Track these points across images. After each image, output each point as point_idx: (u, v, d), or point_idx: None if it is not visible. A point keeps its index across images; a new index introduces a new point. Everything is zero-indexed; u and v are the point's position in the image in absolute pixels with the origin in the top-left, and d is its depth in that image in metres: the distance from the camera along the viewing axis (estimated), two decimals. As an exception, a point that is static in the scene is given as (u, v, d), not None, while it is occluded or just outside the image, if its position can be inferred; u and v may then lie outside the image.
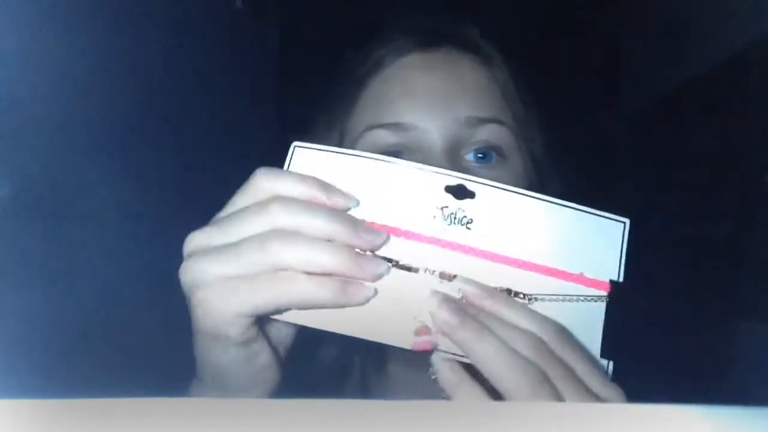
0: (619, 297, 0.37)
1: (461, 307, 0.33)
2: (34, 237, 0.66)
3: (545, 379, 0.31)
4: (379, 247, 0.34)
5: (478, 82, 0.49)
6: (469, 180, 0.36)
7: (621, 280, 0.37)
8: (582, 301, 0.36)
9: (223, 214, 0.35)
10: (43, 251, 0.67)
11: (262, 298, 0.32)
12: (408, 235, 0.35)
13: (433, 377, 0.34)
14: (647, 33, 2.03)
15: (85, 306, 0.72)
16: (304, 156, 0.39)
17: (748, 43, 1.34)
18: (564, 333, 0.34)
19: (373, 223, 0.35)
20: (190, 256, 0.34)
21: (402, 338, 0.34)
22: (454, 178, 0.36)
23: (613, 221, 0.38)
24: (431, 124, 0.47)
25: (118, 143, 0.85)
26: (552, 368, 0.32)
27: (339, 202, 0.34)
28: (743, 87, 1.39)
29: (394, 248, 0.35)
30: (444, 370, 0.33)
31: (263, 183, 0.35)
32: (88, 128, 0.77)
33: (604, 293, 0.36)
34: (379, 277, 0.34)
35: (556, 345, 0.33)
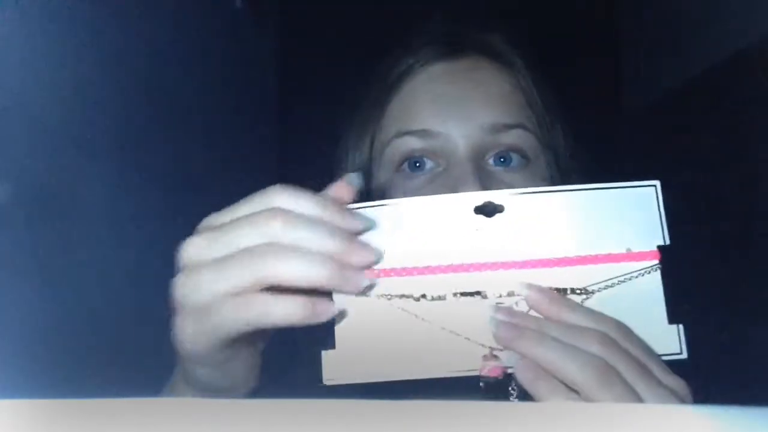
0: (671, 259, 0.37)
1: (517, 318, 0.34)
2: (34, 237, 0.66)
3: (615, 372, 0.31)
4: (370, 263, 0.34)
5: (501, 89, 0.50)
6: (494, 194, 0.36)
7: (668, 242, 0.37)
8: (636, 277, 0.36)
9: (223, 218, 0.35)
10: (43, 251, 0.67)
11: (232, 325, 0.32)
12: (452, 268, 0.35)
13: (481, 384, 0.34)
14: (647, 32, 2.03)
15: (85, 306, 0.72)
16: None
17: (748, 43, 1.34)
18: (625, 328, 0.34)
19: (416, 268, 0.35)
20: (183, 269, 0.34)
21: (471, 367, 0.34)
22: (480, 197, 0.36)
23: (643, 187, 0.38)
24: (456, 131, 0.48)
25: (117, 143, 0.85)
26: (620, 361, 0.32)
27: (353, 223, 0.34)
28: (743, 87, 1.39)
29: (443, 283, 0.35)
30: (521, 370, 0.33)
31: (270, 195, 0.34)
32: (88, 128, 0.77)
33: (656, 261, 0.36)
34: (361, 289, 0.34)
35: (619, 339, 0.33)
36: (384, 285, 0.35)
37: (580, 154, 0.55)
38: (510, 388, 0.35)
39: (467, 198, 0.36)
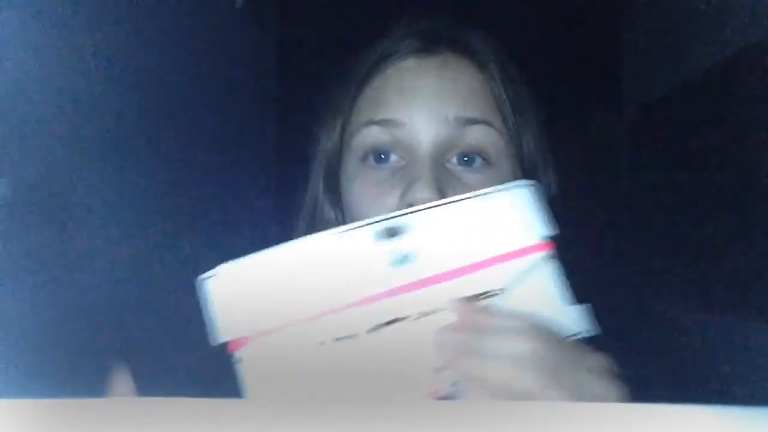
0: (560, 247, 0.39)
1: (454, 335, 0.34)
2: (33, 237, 0.66)
3: (552, 365, 0.33)
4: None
5: (470, 84, 0.50)
6: (394, 217, 0.36)
7: (553, 233, 0.38)
8: (538, 268, 0.38)
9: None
10: (43, 251, 0.67)
11: None
12: (367, 300, 0.35)
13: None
14: (647, 33, 2.03)
15: (85, 306, 0.72)
16: (222, 281, 0.37)
17: (748, 43, 1.34)
18: (540, 320, 0.36)
19: (330, 309, 0.35)
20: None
21: (418, 389, 0.35)
22: (379, 225, 0.36)
23: (521, 188, 0.39)
24: (420, 123, 0.49)
25: (117, 143, 0.85)
26: (549, 352, 0.33)
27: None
28: (743, 87, 1.39)
29: (363, 318, 0.35)
30: (466, 390, 0.34)
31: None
32: (87, 128, 0.77)
33: (549, 251, 0.38)
34: None
35: (542, 332, 0.34)
36: (313, 329, 0.35)
37: (550, 155, 0.56)
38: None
39: (364, 230, 0.36)
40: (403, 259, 0.36)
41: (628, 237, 2.22)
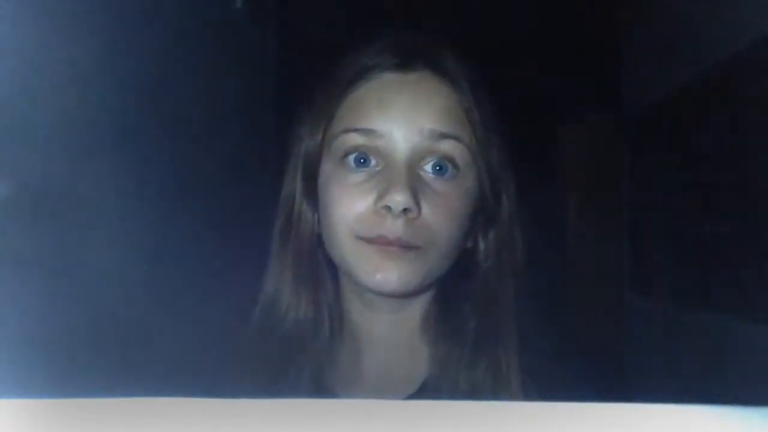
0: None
1: None
2: (33, 237, 0.66)
3: None
4: None
5: (443, 101, 0.55)
6: None
7: None
8: None
9: None
10: (43, 251, 0.67)
11: None
12: None
13: None
14: (647, 33, 2.03)
15: (85, 306, 0.72)
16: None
17: (748, 43, 1.34)
18: None
19: None
20: None
21: None
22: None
23: None
24: (397, 133, 0.53)
25: (117, 143, 0.85)
26: None
27: None
28: (743, 87, 1.39)
29: None
30: None
31: None
32: (88, 128, 0.77)
33: None
34: None
35: None
36: None
37: (512, 168, 0.59)
38: None
39: None
40: None
41: (628, 237, 2.22)
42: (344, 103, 0.56)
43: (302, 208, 0.59)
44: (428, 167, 0.54)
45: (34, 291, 0.64)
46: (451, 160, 0.54)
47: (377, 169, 0.54)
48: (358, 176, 0.54)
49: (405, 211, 0.51)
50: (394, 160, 0.53)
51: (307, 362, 0.57)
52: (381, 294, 0.54)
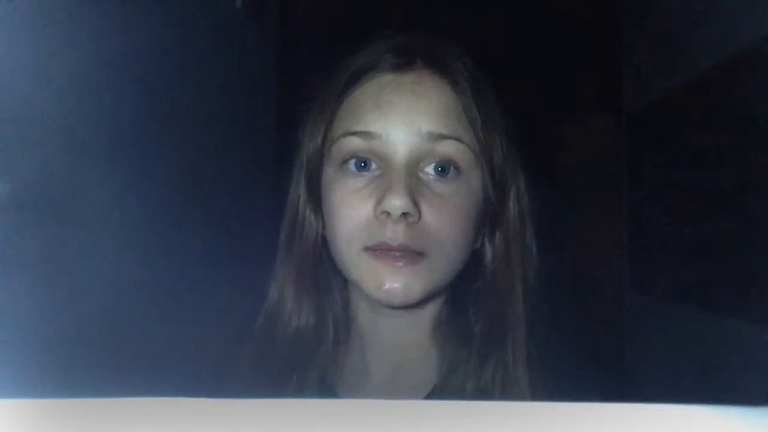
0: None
1: None
2: (33, 237, 0.66)
3: None
4: None
5: (442, 102, 0.54)
6: None
7: None
8: None
9: None
10: (43, 252, 0.67)
11: None
12: None
13: None
14: (647, 33, 2.03)
15: (85, 306, 0.72)
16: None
17: (748, 43, 1.34)
18: None
19: None
20: None
21: None
22: None
23: None
24: (395, 135, 0.52)
25: (117, 143, 0.85)
26: None
27: None
28: (743, 87, 1.39)
29: None
30: None
31: None
32: (88, 128, 0.77)
33: None
34: None
35: None
36: None
37: (519, 168, 0.58)
38: None
39: None
40: None
41: (628, 237, 2.22)
42: (343, 106, 0.56)
43: (306, 215, 0.58)
44: (429, 169, 0.53)
45: (33, 291, 0.64)
46: (452, 161, 0.53)
47: (377, 173, 0.53)
48: (359, 181, 0.53)
49: (404, 215, 0.50)
50: (393, 164, 0.52)
51: (310, 369, 0.56)
52: (389, 306, 0.53)
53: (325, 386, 0.57)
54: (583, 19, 2.21)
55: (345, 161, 0.54)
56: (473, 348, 0.53)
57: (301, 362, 0.56)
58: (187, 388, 0.47)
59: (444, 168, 0.52)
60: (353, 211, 0.52)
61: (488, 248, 0.57)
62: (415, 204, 0.50)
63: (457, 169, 0.53)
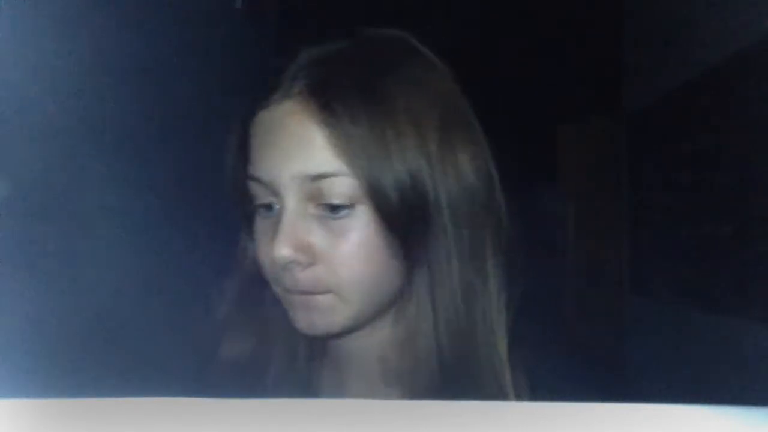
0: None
1: None
2: (33, 237, 0.66)
3: None
4: None
5: (317, 138, 0.49)
6: None
7: None
8: None
9: None
10: (44, 251, 0.67)
11: None
12: None
13: None
14: (647, 33, 2.03)
15: (85, 306, 0.72)
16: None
17: (747, 43, 1.34)
18: None
19: None
20: None
21: None
22: None
23: None
24: (280, 179, 0.49)
25: (116, 144, 0.85)
26: None
27: None
28: (743, 87, 1.39)
29: None
30: None
31: None
32: (88, 129, 0.77)
33: None
34: None
35: None
36: None
37: (414, 194, 0.51)
38: None
39: None
40: None
41: (628, 237, 2.23)
42: (246, 144, 0.52)
43: (246, 244, 0.56)
44: (321, 209, 0.49)
45: (33, 291, 0.64)
46: (338, 197, 0.48)
47: (275, 217, 0.50)
48: (266, 224, 0.51)
49: (292, 263, 0.47)
50: (284, 208, 0.49)
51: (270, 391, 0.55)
52: (316, 337, 0.51)
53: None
54: (583, 19, 2.21)
55: (254, 204, 0.51)
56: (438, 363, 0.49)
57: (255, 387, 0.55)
58: (188, 388, 0.47)
59: (334, 206, 0.49)
60: (262, 255, 0.50)
61: (420, 262, 0.51)
62: (308, 248, 0.48)
63: (346, 204, 0.49)
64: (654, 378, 1.83)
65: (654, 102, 1.92)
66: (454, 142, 0.51)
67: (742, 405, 0.25)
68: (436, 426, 0.24)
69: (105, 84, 0.81)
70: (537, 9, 2.17)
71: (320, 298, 0.49)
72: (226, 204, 0.52)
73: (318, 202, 0.49)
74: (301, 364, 0.56)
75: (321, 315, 0.49)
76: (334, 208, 0.49)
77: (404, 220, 0.49)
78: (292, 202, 0.49)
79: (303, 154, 0.49)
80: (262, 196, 0.51)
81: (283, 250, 0.47)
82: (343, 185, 0.48)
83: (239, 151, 0.53)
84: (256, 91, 0.53)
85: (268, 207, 0.50)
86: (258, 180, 0.50)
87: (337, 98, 0.49)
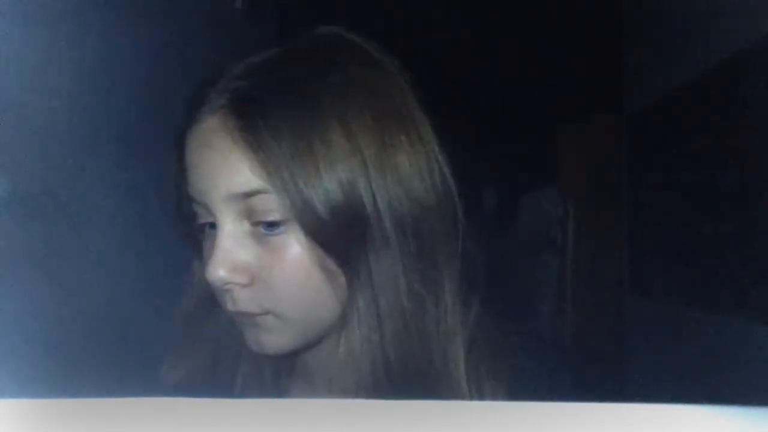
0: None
1: None
2: (34, 236, 0.66)
3: None
4: None
5: (239, 155, 0.47)
6: None
7: None
8: None
9: None
10: (44, 251, 0.67)
11: None
12: None
13: None
14: (647, 33, 2.03)
15: (85, 306, 0.72)
16: None
17: (748, 43, 1.34)
18: None
19: None
20: None
21: None
22: None
23: None
24: (212, 199, 0.48)
25: (117, 143, 0.85)
26: None
27: None
28: (743, 87, 1.39)
29: None
30: None
31: None
32: (87, 129, 0.77)
33: None
34: None
35: None
36: None
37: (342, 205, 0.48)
38: None
39: None
40: None
41: (628, 237, 2.22)
42: (183, 158, 0.51)
43: (197, 264, 0.54)
44: (257, 226, 0.47)
45: (33, 291, 0.64)
46: (269, 213, 0.46)
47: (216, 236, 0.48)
48: (209, 242, 0.49)
49: (228, 284, 0.46)
50: (220, 227, 0.47)
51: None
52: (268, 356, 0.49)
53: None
54: (583, 19, 2.21)
55: (197, 224, 0.50)
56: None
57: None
58: (188, 388, 0.47)
59: (269, 223, 0.47)
60: (205, 274, 0.48)
61: (366, 272, 0.47)
62: (244, 268, 0.46)
63: (279, 221, 0.46)
64: (653, 378, 1.83)
65: (654, 102, 1.92)
66: (393, 143, 0.47)
67: (742, 405, 0.25)
68: (437, 426, 0.24)
69: (105, 83, 0.81)
70: (537, 9, 2.17)
71: (259, 319, 0.47)
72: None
73: (253, 219, 0.47)
74: (268, 380, 0.54)
75: (267, 335, 0.47)
76: (270, 225, 0.47)
77: (338, 236, 0.46)
78: (227, 222, 0.47)
79: (228, 172, 0.47)
80: (203, 215, 0.49)
81: (219, 272, 0.45)
82: (274, 202, 0.46)
83: (178, 168, 0.52)
84: (190, 104, 0.51)
85: (212, 225, 0.48)
86: (193, 200, 0.49)
87: (258, 114, 0.46)
